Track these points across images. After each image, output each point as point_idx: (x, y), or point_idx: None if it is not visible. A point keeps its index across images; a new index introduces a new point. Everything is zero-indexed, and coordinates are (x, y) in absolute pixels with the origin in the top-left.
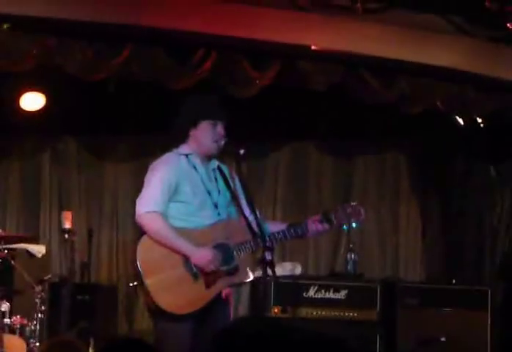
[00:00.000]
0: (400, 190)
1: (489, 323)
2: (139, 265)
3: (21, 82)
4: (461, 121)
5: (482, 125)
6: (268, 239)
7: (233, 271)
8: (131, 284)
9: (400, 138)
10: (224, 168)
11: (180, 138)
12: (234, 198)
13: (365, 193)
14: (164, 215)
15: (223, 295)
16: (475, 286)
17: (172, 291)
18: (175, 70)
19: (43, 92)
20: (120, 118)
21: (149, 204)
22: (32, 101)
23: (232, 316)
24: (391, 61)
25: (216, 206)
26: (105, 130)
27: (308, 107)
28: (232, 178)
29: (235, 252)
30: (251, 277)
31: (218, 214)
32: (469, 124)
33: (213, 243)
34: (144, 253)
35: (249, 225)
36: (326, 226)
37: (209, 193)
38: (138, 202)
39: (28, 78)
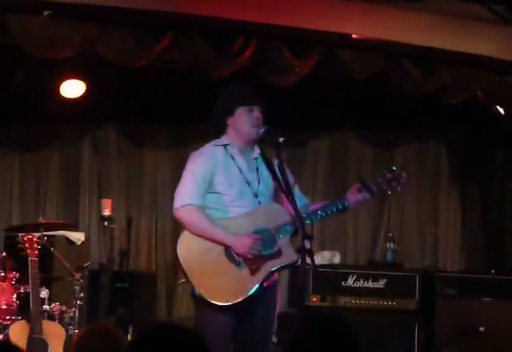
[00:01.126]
0: (440, 179)
1: None
2: (181, 262)
3: (62, 70)
4: (501, 111)
5: None
6: (309, 217)
7: (277, 255)
8: (180, 282)
9: (440, 128)
10: (267, 154)
11: (219, 128)
12: (278, 184)
13: None
14: (201, 208)
15: (264, 284)
16: None
17: (217, 283)
18: (215, 58)
19: (83, 80)
20: (160, 106)
21: (183, 198)
22: (73, 89)
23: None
24: (431, 51)
25: (256, 196)
26: (145, 118)
27: (348, 96)
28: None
29: (275, 235)
30: (297, 257)
31: (259, 203)
32: (510, 114)
33: (253, 230)
34: (185, 249)
35: (289, 209)
36: (366, 195)
37: (248, 183)
38: (174, 196)
39: (68, 66)
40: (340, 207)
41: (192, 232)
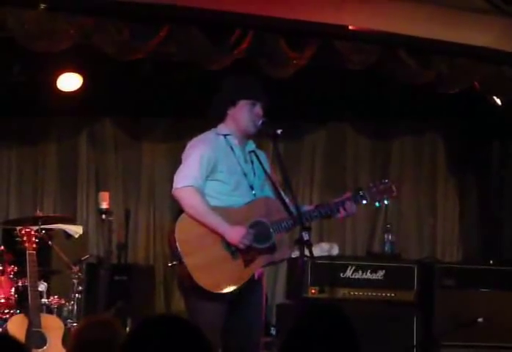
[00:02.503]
0: (438, 170)
1: None
2: (177, 245)
3: (58, 63)
4: (498, 101)
5: None
6: (303, 217)
7: (271, 249)
8: (170, 264)
9: (437, 119)
10: (260, 153)
11: (218, 116)
12: (270, 181)
13: (402, 173)
14: (201, 192)
15: (255, 276)
16: None
17: (211, 270)
18: (212, 50)
19: (80, 73)
20: (157, 99)
21: (186, 179)
22: (69, 82)
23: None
24: (428, 41)
25: (252, 188)
26: (142, 111)
27: (345, 87)
28: (269, 162)
29: (272, 230)
30: (290, 254)
31: (254, 195)
32: (507, 104)
33: (250, 221)
34: (183, 232)
35: (285, 205)
36: (354, 207)
37: (245, 174)
38: (175, 176)
39: (64, 59)
40: (335, 211)
41: (189, 215)
